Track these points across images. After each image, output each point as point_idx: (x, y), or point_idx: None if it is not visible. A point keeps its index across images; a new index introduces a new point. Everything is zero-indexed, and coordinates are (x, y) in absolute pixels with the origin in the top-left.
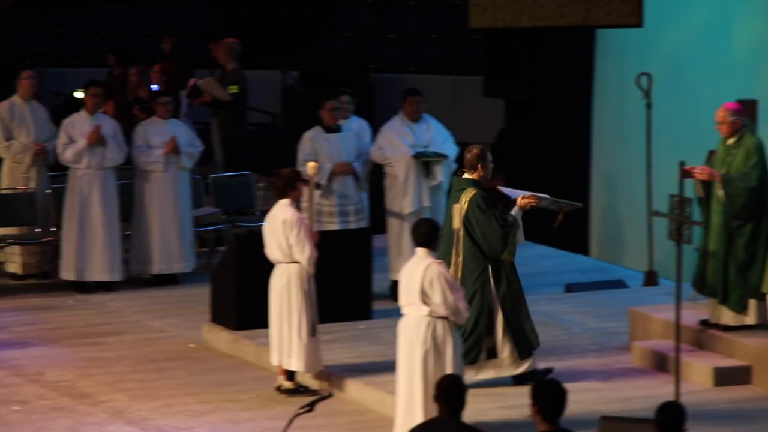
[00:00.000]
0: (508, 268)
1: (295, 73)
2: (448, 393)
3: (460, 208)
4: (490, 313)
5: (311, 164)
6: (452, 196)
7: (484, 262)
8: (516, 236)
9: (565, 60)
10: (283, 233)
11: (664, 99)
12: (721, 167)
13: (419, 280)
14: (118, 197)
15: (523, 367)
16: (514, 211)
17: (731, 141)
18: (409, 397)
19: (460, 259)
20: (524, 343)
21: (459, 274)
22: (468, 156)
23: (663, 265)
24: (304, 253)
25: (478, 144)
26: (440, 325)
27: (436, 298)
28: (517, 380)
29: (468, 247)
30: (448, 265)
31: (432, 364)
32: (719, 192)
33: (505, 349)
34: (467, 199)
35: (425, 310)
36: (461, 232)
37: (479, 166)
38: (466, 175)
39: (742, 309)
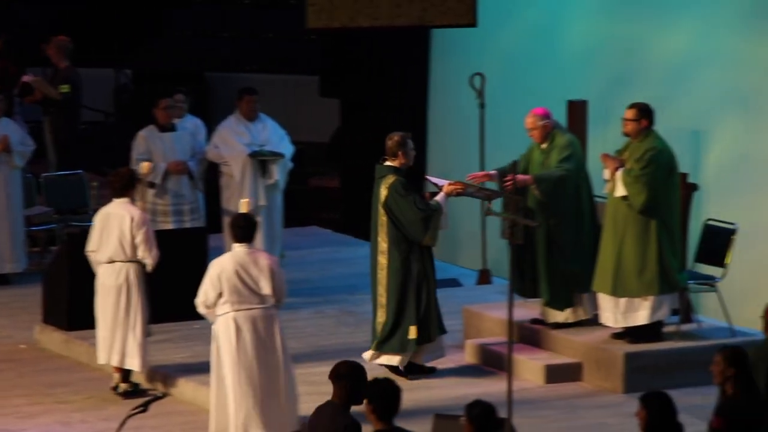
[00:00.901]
0: (427, 254)
1: (129, 71)
2: (348, 376)
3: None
4: (418, 300)
5: (145, 164)
6: (375, 183)
7: (407, 249)
8: (438, 221)
9: (401, 60)
10: (130, 232)
11: (497, 99)
12: (541, 171)
13: (267, 274)
14: None
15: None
16: (439, 196)
17: (545, 145)
18: (253, 393)
19: (385, 245)
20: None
21: (385, 260)
22: (389, 143)
23: (496, 264)
24: (152, 252)
25: (399, 132)
26: (277, 315)
27: (280, 289)
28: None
29: (391, 234)
30: (375, 252)
31: (283, 356)
32: (535, 192)
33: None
34: (387, 186)
35: (270, 301)
36: (384, 219)
37: (400, 153)
38: (387, 163)
39: (568, 305)
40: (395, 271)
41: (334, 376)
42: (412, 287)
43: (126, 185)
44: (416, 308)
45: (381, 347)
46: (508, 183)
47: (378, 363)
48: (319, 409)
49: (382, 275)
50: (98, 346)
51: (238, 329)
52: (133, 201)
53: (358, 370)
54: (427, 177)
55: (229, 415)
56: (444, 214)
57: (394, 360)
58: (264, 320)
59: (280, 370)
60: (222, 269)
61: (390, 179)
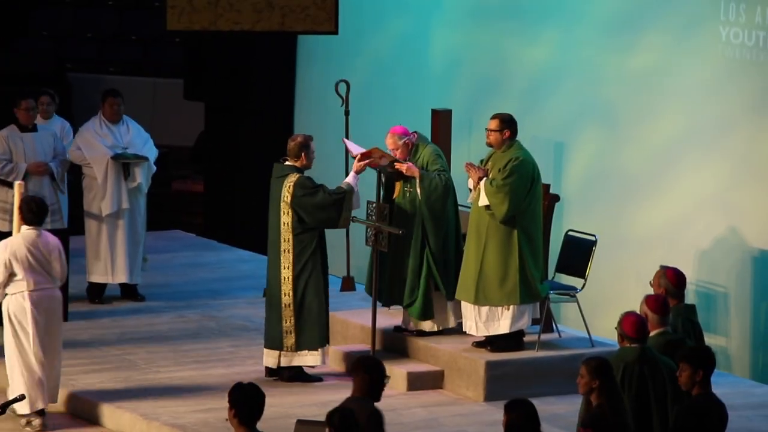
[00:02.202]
0: (323, 255)
1: None
2: (367, 371)
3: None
4: (321, 300)
5: None
6: (274, 182)
7: (310, 250)
8: (351, 202)
9: (268, 64)
10: None
11: (362, 106)
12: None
13: (57, 255)
14: None
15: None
16: (349, 178)
17: (410, 159)
18: (49, 367)
19: (289, 245)
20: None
21: (288, 261)
22: (291, 144)
23: (360, 271)
24: None
25: (302, 133)
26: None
27: (65, 270)
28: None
29: (296, 233)
30: (277, 252)
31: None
32: (418, 188)
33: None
34: (291, 184)
35: (58, 282)
36: (288, 218)
37: (303, 154)
38: (288, 163)
39: (430, 315)
40: (300, 270)
41: (353, 370)
42: (315, 286)
43: None
44: (321, 307)
45: (299, 347)
46: (403, 166)
47: (296, 364)
48: (342, 406)
49: (287, 274)
50: None
51: (32, 307)
52: None
53: (377, 364)
54: (344, 140)
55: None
56: (355, 194)
57: (314, 357)
58: (54, 299)
59: (60, 345)
60: (15, 251)
61: (293, 177)
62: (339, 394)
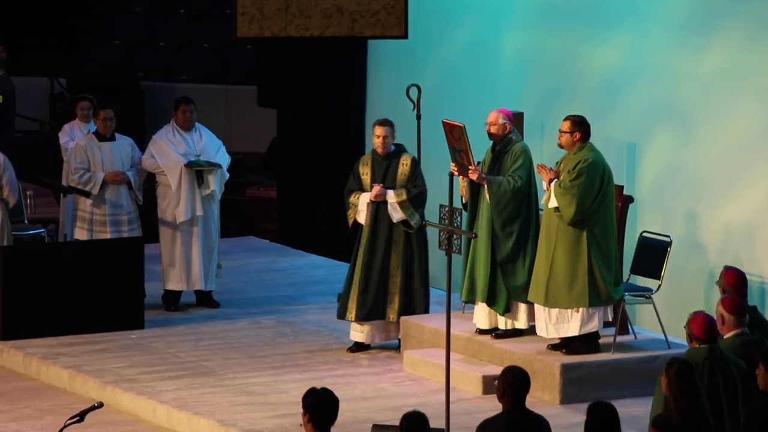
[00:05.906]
0: (402, 240)
1: (63, 80)
2: (513, 383)
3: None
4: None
5: None
6: None
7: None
8: (352, 211)
9: (338, 71)
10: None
11: (433, 110)
12: (490, 173)
13: None
14: None
15: None
16: (364, 195)
17: (498, 147)
18: None
19: None
20: None
21: None
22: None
23: (433, 275)
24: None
25: (384, 118)
26: None
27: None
28: None
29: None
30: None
31: None
32: (486, 194)
33: None
34: None
35: None
36: None
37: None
38: None
39: (507, 311)
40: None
41: (503, 380)
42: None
43: None
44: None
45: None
46: (473, 171)
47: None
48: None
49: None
50: None
51: None
52: None
53: (523, 375)
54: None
55: None
56: (360, 212)
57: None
58: None
59: None
60: None
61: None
62: (414, 398)
